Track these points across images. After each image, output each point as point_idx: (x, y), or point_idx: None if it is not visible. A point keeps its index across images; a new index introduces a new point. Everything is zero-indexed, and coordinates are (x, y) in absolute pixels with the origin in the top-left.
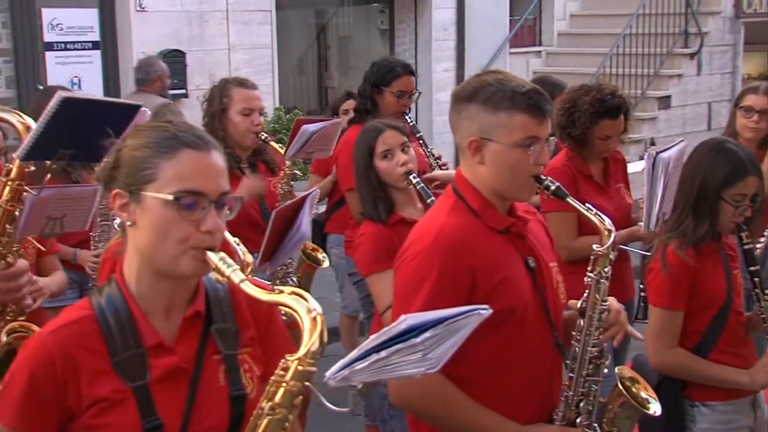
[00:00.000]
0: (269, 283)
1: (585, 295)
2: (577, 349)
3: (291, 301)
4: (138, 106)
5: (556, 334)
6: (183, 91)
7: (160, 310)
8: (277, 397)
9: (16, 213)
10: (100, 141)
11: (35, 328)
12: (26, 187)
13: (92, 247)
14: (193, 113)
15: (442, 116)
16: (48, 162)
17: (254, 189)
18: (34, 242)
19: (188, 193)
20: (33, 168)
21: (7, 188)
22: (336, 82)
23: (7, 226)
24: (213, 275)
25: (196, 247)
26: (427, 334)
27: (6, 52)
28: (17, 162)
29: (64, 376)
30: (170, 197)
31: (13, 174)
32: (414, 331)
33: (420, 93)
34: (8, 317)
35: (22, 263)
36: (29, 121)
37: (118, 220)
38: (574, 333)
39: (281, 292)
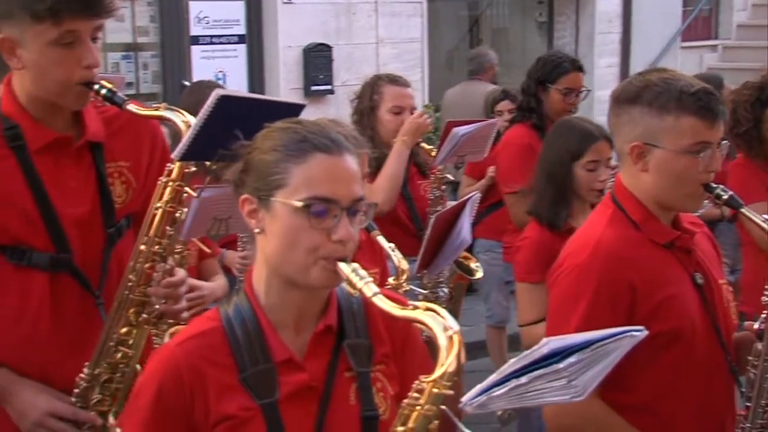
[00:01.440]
0: (421, 290)
1: (763, 315)
2: (754, 375)
3: (426, 318)
4: (301, 106)
5: (729, 358)
6: (329, 87)
7: (289, 322)
8: (411, 422)
9: (177, 215)
10: None
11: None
12: (186, 188)
13: (239, 248)
14: (339, 111)
15: (603, 116)
16: (207, 163)
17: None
18: (198, 244)
19: (319, 199)
20: (194, 169)
21: (168, 189)
22: None
23: (167, 227)
24: (346, 288)
25: (326, 258)
26: (571, 360)
27: (153, 47)
28: (177, 163)
29: (191, 390)
30: (300, 204)
31: (173, 175)
32: (557, 356)
33: (588, 91)
34: (171, 321)
35: (181, 273)
36: (191, 119)
37: None
38: (751, 358)
39: (416, 307)
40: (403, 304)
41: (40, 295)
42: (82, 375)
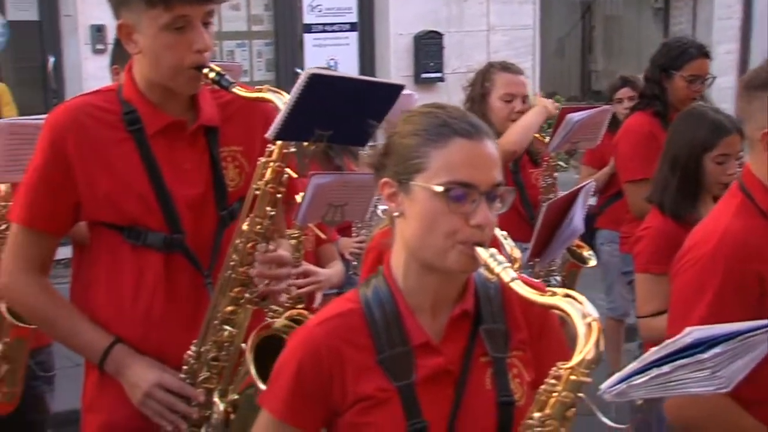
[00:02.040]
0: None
1: None
2: None
3: (565, 304)
4: (400, 87)
5: None
6: (439, 74)
7: (427, 306)
8: (548, 408)
9: (278, 196)
10: (363, 124)
11: (307, 315)
12: (287, 169)
13: (353, 234)
14: (449, 99)
15: (722, 104)
16: (306, 143)
17: None
18: (315, 230)
19: (458, 184)
20: (293, 150)
21: (269, 169)
22: (600, 66)
23: (268, 208)
24: (483, 272)
25: (464, 242)
26: (716, 350)
27: (267, 35)
28: (278, 143)
29: (330, 370)
30: (439, 188)
31: (273, 155)
32: (701, 346)
33: (714, 78)
34: (287, 305)
35: (285, 254)
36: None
37: (381, 208)
38: None
39: (554, 294)
40: (540, 290)
41: (154, 275)
42: (189, 352)
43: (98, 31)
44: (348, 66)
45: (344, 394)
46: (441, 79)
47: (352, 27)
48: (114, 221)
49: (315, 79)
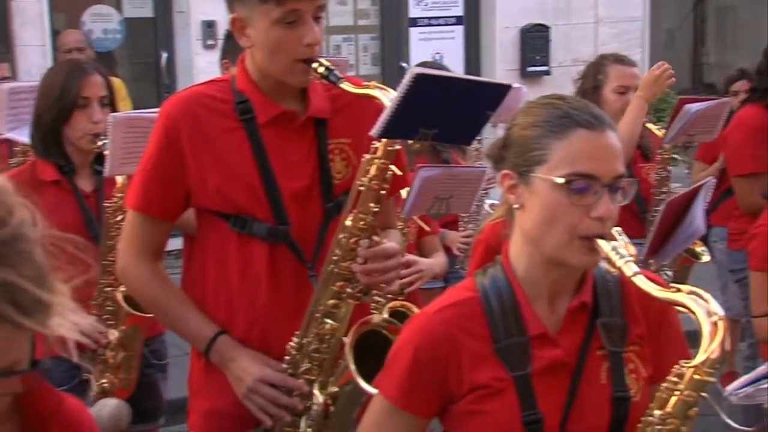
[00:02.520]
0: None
1: None
2: None
3: (689, 301)
4: (508, 87)
5: None
6: (545, 68)
7: (544, 297)
8: (669, 407)
9: (382, 192)
10: (468, 122)
11: (414, 309)
12: (391, 166)
13: (460, 228)
14: (557, 91)
15: None
16: (410, 142)
17: None
18: (419, 222)
19: (580, 176)
20: (398, 147)
21: (374, 166)
22: (712, 59)
23: (372, 204)
24: (603, 265)
25: (585, 235)
26: None
27: (373, 29)
28: (383, 140)
29: (446, 357)
30: (560, 180)
31: (379, 152)
32: None
33: None
34: (389, 296)
35: (391, 246)
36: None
37: (488, 202)
38: None
39: (678, 290)
40: (663, 286)
41: (259, 265)
42: (291, 344)
43: (209, 27)
44: (453, 59)
45: (460, 382)
46: (547, 73)
47: (458, 20)
48: (221, 209)
49: (420, 79)
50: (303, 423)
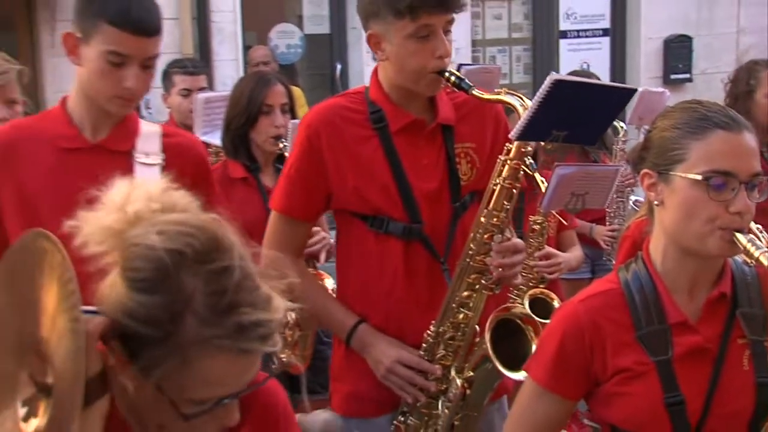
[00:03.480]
0: None
1: None
2: None
3: None
4: (634, 90)
5: None
6: (687, 75)
7: (684, 288)
8: None
9: (514, 191)
10: (597, 123)
11: (553, 296)
12: (523, 166)
13: (607, 223)
14: (699, 98)
15: None
16: (543, 143)
17: None
18: (557, 216)
19: (718, 173)
20: (530, 148)
21: (506, 167)
22: None
23: (505, 202)
24: (740, 258)
25: (724, 228)
26: None
27: (525, 41)
28: (515, 142)
29: (591, 343)
30: (699, 177)
31: (511, 153)
32: None
33: None
34: (531, 284)
35: (519, 242)
36: (528, 103)
37: (633, 198)
38: None
39: None
40: None
41: (395, 260)
42: (428, 332)
43: None
44: (600, 69)
45: (604, 367)
46: (689, 80)
47: (605, 32)
48: (360, 210)
49: (558, 84)
50: (440, 405)
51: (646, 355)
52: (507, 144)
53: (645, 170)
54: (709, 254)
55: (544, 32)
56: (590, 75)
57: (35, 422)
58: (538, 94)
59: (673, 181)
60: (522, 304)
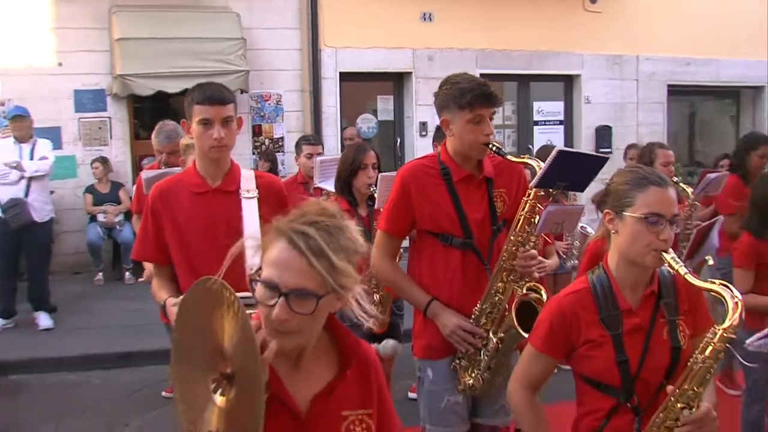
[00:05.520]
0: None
1: None
2: None
3: (719, 288)
4: (606, 158)
5: None
6: (609, 150)
7: (629, 287)
8: (707, 352)
9: (533, 220)
10: (585, 177)
11: (540, 287)
12: (538, 204)
13: (564, 240)
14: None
15: None
16: (551, 190)
17: None
18: (544, 237)
19: (653, 214)
20: (542, 193)
21: (528, 204)
22: None
23: (526, 227)
24: (665, 267)
25: (656, 249)
26: None
27: (513, 126)
28: (534, 189)
29: (570, 322)
30: (642, 216)
31: (530, 196)
32: None
33: None
34: (526, 280)
35: (534, 252)
36: (542, 164)
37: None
38: None
39: (713, 282)
40: (702, 280)
41: (455, 264)
42: (476, 308)
43: (422, 125)
44: (558, 144)
45: (579, 337)
46: (611, 153)
47: (561, 122)
48: (433, 230)
49: (562, 153)
50: (482, 354)
51: (605, 331)
52: (528, 189)
53: (606, 209)
54: (646, 266)
55: (523, 121)
56: (552, 148)
57: (221, 399)
58: (548, 159)
59: (625, 218)
60: (537, 292)
